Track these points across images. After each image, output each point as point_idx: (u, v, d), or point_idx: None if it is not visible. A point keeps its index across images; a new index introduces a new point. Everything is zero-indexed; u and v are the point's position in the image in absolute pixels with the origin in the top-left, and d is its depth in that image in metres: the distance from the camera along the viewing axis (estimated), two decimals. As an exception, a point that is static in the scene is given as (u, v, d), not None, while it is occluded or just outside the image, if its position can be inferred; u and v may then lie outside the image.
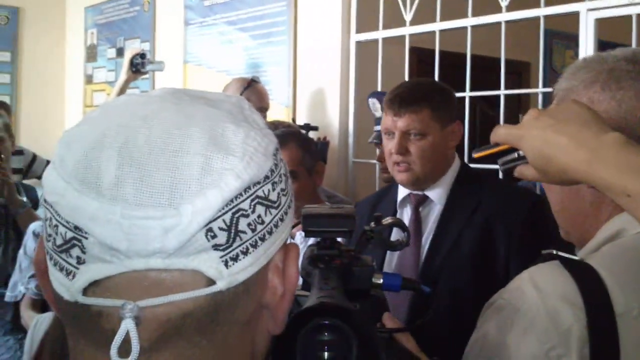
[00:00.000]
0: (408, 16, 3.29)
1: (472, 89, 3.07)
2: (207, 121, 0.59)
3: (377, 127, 2.89)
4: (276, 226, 0.60)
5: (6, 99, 4.98)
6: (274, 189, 0.60)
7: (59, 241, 0.57)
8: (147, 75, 4.57)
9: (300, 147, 2.50)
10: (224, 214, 0.55)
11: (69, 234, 0.55)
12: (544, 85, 2.90)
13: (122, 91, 3.90)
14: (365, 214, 1.88)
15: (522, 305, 1.02)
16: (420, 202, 2.13)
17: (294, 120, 3.68)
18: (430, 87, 2.15)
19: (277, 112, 3.81)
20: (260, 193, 0.58)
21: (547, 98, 2.90)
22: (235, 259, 0.57)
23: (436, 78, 3.12)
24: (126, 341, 0.53)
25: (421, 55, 3.67)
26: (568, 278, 1.01)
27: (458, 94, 2.65)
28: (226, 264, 0.56)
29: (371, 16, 3.47)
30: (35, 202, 3.21)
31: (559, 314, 0.98)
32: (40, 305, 2.59)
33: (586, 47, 2.68)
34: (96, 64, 5.56)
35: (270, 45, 4.02)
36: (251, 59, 4.18)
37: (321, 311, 0.68)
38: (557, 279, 1.01)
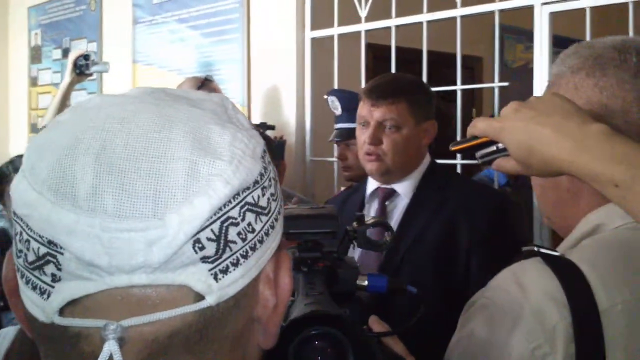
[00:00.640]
0: (363, 12, 3.27)
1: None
2: (190, 122, 0.54)
3: (337, 125, 2.87)
4: (267, 234, 0.56)
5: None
6: (263, 195, 0.56)
7: (31, 257, 0.51)
8: (94, 77, 4.46)
9: None
10: (212, 223, 0.51)
11: (43, 250, 0.50)
12: (498, 80, 2.91)
13: (66, 94, 3.81)
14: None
15: (505, 303, 1.01)
16: (388, 196, 2.14)
17: (249, 119, 3.63)
18: (411, 82, 2.17)
19: (232, 111, 3.74)
20: (249, 199, 0.54)
21: (502, 93, 2.91)
22: (225, 271, 0.52)
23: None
24: None
25: (377, 52, 3.66)
26: (551, 275, 1.00)
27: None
28: (215, 277, 0.52)
29: (326, 13, 3.44)
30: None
31: (544, 311, 0.97)
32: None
33: (541, 41, 2.70)
34: (41, 66, 5.40)
35: (222, 43, 3.96)
36: (203, 58, 4.11)
37: (314, 320, 0.65)
38: (540, 276, 1.01)
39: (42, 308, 0.51)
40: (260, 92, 3.76)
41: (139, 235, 0.49)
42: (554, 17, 2.67)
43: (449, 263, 1.96)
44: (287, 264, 0.59)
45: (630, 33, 2.41)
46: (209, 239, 0.51)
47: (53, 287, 0.51)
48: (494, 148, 0.96)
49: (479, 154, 0.99)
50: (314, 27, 3.54)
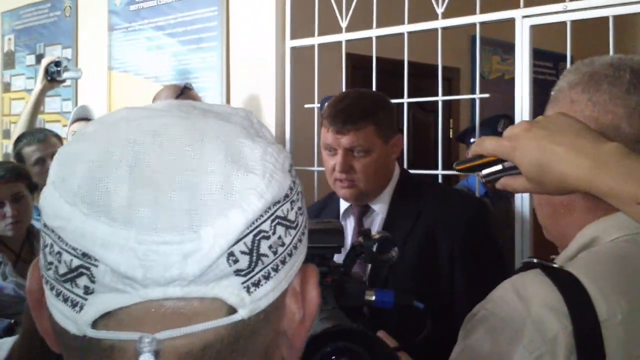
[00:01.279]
0: (344, 22, 3.27)
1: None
2: (222, 136, 0.54)
3: None
4: (295, 247, 0.56)
5: None
6: (292, 208, 0.56)
7: (63, 270, 0.51)
8: (68, 83, 4.42)
9: None
10: (245, 236, 0.51)
11: (76, 262, 0.50)
12: (476, 91, 2.93)
13: (38, 101, 3.78)
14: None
15: (506, 314, 1.02)
16: (363, 213, 2.11)
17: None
18: (373, 101, 2.10)
19: (210, 119, 3.72)
20: (279, 213, 0.54)
21: (481, 104, 2.93)
22: (257, 284, 0.52)
23: (373, 84, 3.12)
24: None
25: (356, 62, 3.67)
26: (550, 286, 1.01)
27: (395, 101, 2.66)
28: (248, 291, 0.52)
29: (306, 22, 3.44)
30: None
31: (545, 322, 0.98)
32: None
33: (522, 54, 2.73)
34: (14, 72, 5.32)
35: (201, 51, 3.94)
36: (181, 65, 4.08)
37: (335, 335, 0.64)
38: (540, 287, 1.02)
39: (74, 320, 0.51)
40: (240, 100, 3.74)
41: (174, 248, 0.48)
42: (535, 30, 2.70)
43: (432, 275, 1.95)
44: (314, 278, 0.59)
45: (610, 46, 2.44)
46: (242, 252, 0.51)
47: (86, 299, 0.50)
48: (500, 167, 0.97)
49: (484, 172, 0.99)
50: (294, 36, 3.53)
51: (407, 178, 2.16)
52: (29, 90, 4.94)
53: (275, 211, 0.53)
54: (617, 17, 2.46)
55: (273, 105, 3.57)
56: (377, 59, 3.17)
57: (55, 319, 0.53)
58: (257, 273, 0.52)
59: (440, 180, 2.98)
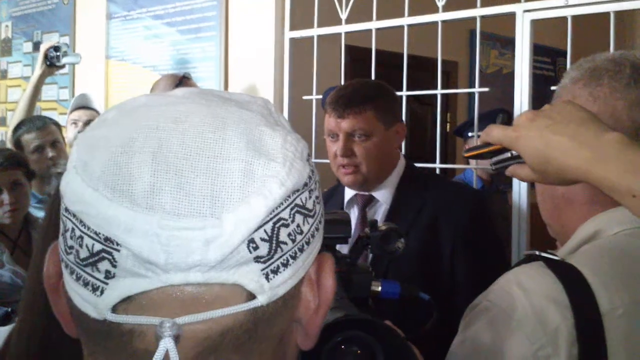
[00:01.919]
0: (344, 14, 3.27)
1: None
2: (242, 124, 0.55)
3: None
4: (313, 236, 0.57)
5: None
6: (310, 197, 0.56)
7: (84, 254, 0.51)
8: (66, 70, 4.40)
9: None
10: (265, 223, 0.51)
11: (97, 246, 0.50)
12: (475, 85, 2.93)
13: (37, 87, 3.77)
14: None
15: (508, 306, 1.02)
16: (367, 203, 2.13)
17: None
18: (374, 87, 2.15)
19: (208, 109, 3.71)
20: (298, 201, 0.54)
21: (480, 97, 2.93)
22: (275, 271, 0.53)
23: (372, 77, 3.12)
24: None
25: (355, 54, 3.67)
26: (553, 278, 1.02)
27: (395, 93, 2.65)
28: (267, 277, 0.52)
29: (306, 13, 3.44)
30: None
31: (546, 313, 0.99)
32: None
33: (522, 48, 2.73)
34: (11, 59, 5.28)
35: (199, 40, 3.93)
36: (179, 55, 4.07)
37: (346, 324, 0.65)
38: (542, 279, 1.03)
39: (95, 304, 0.51)
40: (238, 90, 3.73)
41: (196, 234, 0.49)
42: (535, 24, 2.70)
43: (434, 266, 1.97)
44: (330, 266, 0.60)
45: (611, 42, 2.45)
46: (262, 239, 0.51)
47: (107, 283, 0.51)
48: (508, 155, 0.98)
49: (493, 160, 1.01)
50: (293, 27, 3.53)
51: (412, 170, 2.19)
52: (26, 78, 4.93)
53: (295, 199, 0.54)
54: (617, 13, 2.47)
55: (271, 97, 3.56)
56: (377, 51, 3.17)
57: (74, 303, 0.54)
58: (276, 260, 0.53)
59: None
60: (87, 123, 3.60)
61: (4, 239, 2.82)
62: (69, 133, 3.76)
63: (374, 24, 3.17)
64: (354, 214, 2.17)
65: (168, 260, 0.49)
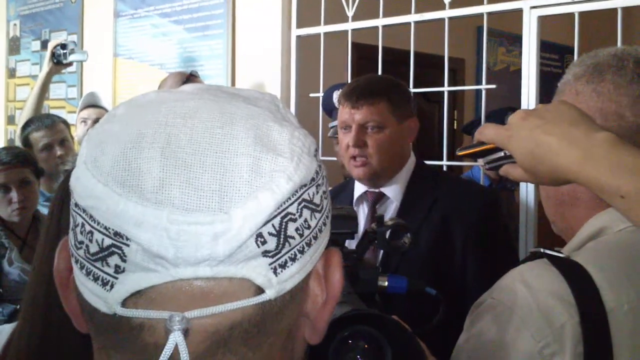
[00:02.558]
0: (350, 11, 3.27)
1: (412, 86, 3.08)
2: (251, 120, 0.55)
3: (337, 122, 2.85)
4: (320, 231, 0.57)
5: None
6: (317, 192, 0.57)
7: (94, 249, 0.52)
8: (74, 69, 4.42)
9: None
10: (273, 218, 0.52)
11: (107, 241, 0.51)
12: (482, 82, 2.93)
13: (45, 84, 3.77)
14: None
15: (514, 303, 1.02)
16: (377, 200, 2.12)
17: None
18: (388, 81, 2.16)
19: (216, 107, 3.71)
20: (306, 196, 0.55)
21: (486, 96, 2.92)
22: (283, 266, 0.53)
23: (379, 74, 3.11)
24: (171, 355, 0.50)
25: (362, 51, 3.66)
26: (558, 275, 1.02)
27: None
28: (275, 272, 0.53)
29: (313, 11, 3.44)
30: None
31: (552, 311, 0.99)
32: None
33: (529, 45, 2.72)
34: (19, 57, 5.31)
35: (206, 38, 3.94)
36: (186, 53, 4.08)
37: (353, 319, 0.65)
38: (547, 277, 1.03)
39: (105, 299, 0.52)
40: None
41: (205, 229, 0.49)
42: (542, 21, 2.69)
43: (445, 263, 1.96)
44: (337, 261, 0.60)
45: (618, 38, 2.44)
46: (270, 234, 0.52)
47: (117, 278, 0.51)
48: (501, 154, 0.97)
49: (486, 159, 1.00)
50: (300, 24, 3.53)
51: (422, 167, 2.19)
52: (34, 76, 4.95)
53: (302, 194, 0.54)
54: (625, 9, 2.46)
55: (278, 94, 3.56)
56: (383, 48, 3.17)
57: (84, 298, 0.54)
58: (284, 255, 0.53)
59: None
60: (96, 121, 3.57)
61: (12, 236, 2.83)
62: (78, 131, 3.78)
63: (380, 21, 3.17)
64: (363, 211, 2.17)
65: (177, 255, 0.49)
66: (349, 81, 3.22)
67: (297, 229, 0.54)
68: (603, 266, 1.03)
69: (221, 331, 0.52)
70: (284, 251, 0.53)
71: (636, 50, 1.14)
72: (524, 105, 2.74)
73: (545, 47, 2.84)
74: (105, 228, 0.51)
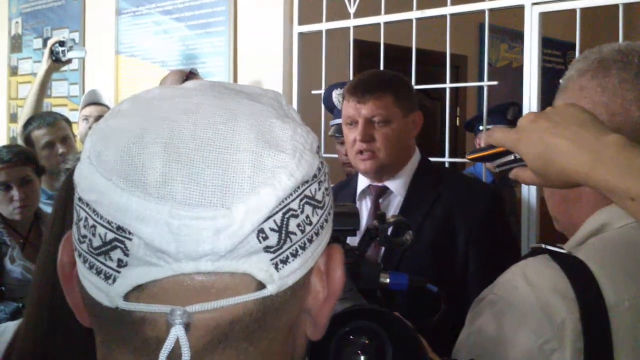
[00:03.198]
0: (352, 8, 3.27)
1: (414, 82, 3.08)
2: (253, 116, 0.56)
3: (338, 121, 2.84)
4: (322, 227, 0.57)
5: None
6: (319, 189, 0.57)
7: (97, 243, 0.52)
8: (75, 67, 4.42)
9: None
10: (275, 214, 0.52)
11: (110, 235, 0.51)
12: (484, 78, 2.92)
13: (44, 82, 3.78)
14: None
15: (514, 299, 1.02)
16: (380, 194, 2.13)
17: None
18: (392, 75, 2.16)
19: (217, 104, 3.71)
20: (307, 193, 0.55)
21: (488, 92, 2.92)
22: (285, 261, 0.53)
23: (381, 71, 3.11)
24: (172, 349, 0.50)
25: (364, 48, 3.66)
26: (559, 271, 1.02)
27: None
28: (276, 267, 0.53)
29: (314, 8, 3.43)
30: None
31: (552, 307, 0.99)
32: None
33: (531, 41, 2.71)
34: (21, 55, 5.31)
35: (208, 35, 3.93)
36: (188, 50, 4.07)
37: (354, 315, 0.65)
38: (548, 273, 1.03)
39: (107, 292, 0.52)
40: (247, 86, 3.73)
41: (207, 223, 0.49)
42: (544, 17, 2.69)
43: (447, 260, 1.96)
44: (339, 257, 0.60)
45: (620, 35, 2.43)
46: (271, 230, 0.52)
47: (119, 272, 0.52)
48: (511, 157, 0.97)
49: (496, 163, 1.00)
50: (301, 21, 3.53)
51: (426, 163, 2.19)
52: (36, 74, 4.95)
53: (304, 190, 0.55)
54: (626, 5, 2.45)
55: (280, 91, 3.55)
56: (385, 45, 3.16)
57: (87, 292, 0.55)
58: (285, 250, 0.53)
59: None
60: (98, 119, 3.60)
61: (14, 234, 2.84)
62: (80, 129, 3.78)
63: (382, 18, 3.16)
64: (366, 205, 2.17)
65: (179, 249, 0.49)
66: (351, 78, 3.22)
67: (298, 225, 0.54)
68: (604, 262, 1.03)
69: (222, 326, 0.52)
70: (285, 247, 0.53)
71: None
72: (525, 101, 2.74)
73: (547, 43, 2.83)
74: (108, 222, 0.51)
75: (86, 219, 0.53)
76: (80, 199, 0.54)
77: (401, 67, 3.10)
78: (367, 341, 0.67)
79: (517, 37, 5.06)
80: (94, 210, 0.52)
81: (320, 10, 3.37)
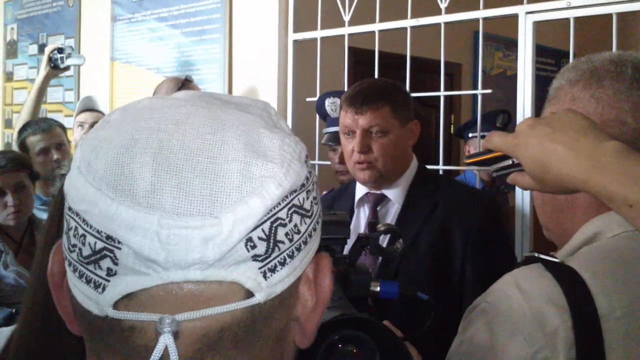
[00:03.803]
0: (347, 16, 3.27)
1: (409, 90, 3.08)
2: (242, 126, 0.56)
3: (332, 129, 2.84)
4: (310, 236, 0.58)
5: None
6: (307, 198, 0.58)
7: (86, 252, 0.53)
8: (71, 73, 4.42)
9: None
10: (263, 223, 0.53)
11: (99, 244, 0.52)
12: (478, 87, 2.93)
13: (42, 89, 3.77)
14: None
15: (507, 308, 1.02)
16: (378, 202, 2.13)
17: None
18: (389, 85, 2.16)
19: (212, 111, 3.71)
20: (296, 202, 0.56)
21: (483, 100, 2.93)
22: (273, 270, 0.54)
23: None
24: (161, 358, 0.51)
25: (358, 56, 3.67)
26: (551, 280, 1.02)
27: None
28: (265, 276, 0.54)
29: (309, 15, 3.44)
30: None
31: (545, 316, 0.99)
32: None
33: (525, 50, 2.73)
34: (17, 61, 5.31)
35: (203, 43, 3.94)
36: (183, 57, 4.08)
37: (342, 323, 0.65)
38: (540, 281, 1.02)
39: (96, 301, 0.53)
40: (242, 93, 3.74)
41: (195, 233, 0.50)
42: (538, 26, 2.70)
43: (444, 268, 1.96)
44: (327, 266, 0.61)
45: (614, 44, 2.44)
46: (260, 238, 0.53)
47: (108, 281, 0.52)
48: (509, 162, 0.97)
49: (494, 167, 1.00)
50: (296, 29, 3.53)
51: (424, 171, 2.20)
52: (32, 80, 4.94)
53: (292, 200, 0.55)
54: (620, 15, 2.46)
55: (275, 99, 3.57)
56: (380, 53, 3.17)
57: (77, 300, 0.55)
58: (273, 259, 0.54)
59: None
60: (93, 125, 3.59)
61: (8, 240, 2.83)
62: (75, 135, 3.78)
63: (377, 26, 3.17)
64: (364, 213, 2.17)
65: (168, 258, 0.50)
66: (346, 86, 3.23)
67: (286, 234, 0.54)
68: (597, 271, 1.03)
69: (211, 334, 0.53)
70: (273, 255, 0.54)
71: (632, 56, 1.13)
72: (519, 109, 2.74)
73: (541, 51, 2.84)
74: (98, 231, 0.52)
75: (76, 228, 0.54)
76: (70, 209, 0.55)
77: (396, 74, 3.11)
78: (354, 350, 0.67)
79: (512, 45, 5.07)
80: (83, 220, 0.53)
81: (315, 17, 3.38)
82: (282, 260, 0.54)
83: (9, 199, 2.78)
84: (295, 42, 3.54)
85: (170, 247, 0.50)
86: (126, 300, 0.52)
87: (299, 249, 0.56)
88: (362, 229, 2.12)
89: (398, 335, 0.98)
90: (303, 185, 0.57)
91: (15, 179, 2.81)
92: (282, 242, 0.54)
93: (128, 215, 0.50)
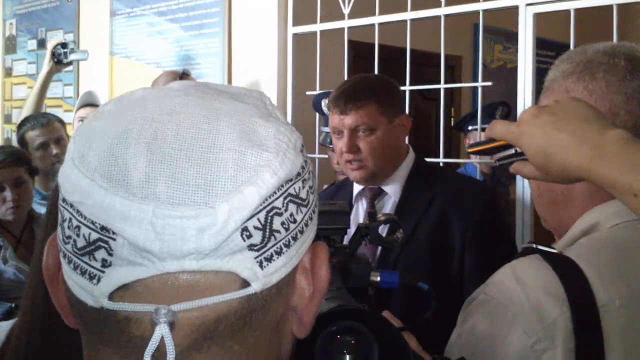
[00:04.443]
0: (346, 9, 3.27)
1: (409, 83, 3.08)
2: (236, 115, 0.56)
3: (327, 129, 2.84)
4: (306, 225, 0.57)
5: None
6: (303, 187, 0.57)
7: (81, 243, 0.52)
8: (70, 68, 4.41)
9: None
10: (259, 212, 0.52)
11: (94, 235, 0.51)
12: (478, 79, 2.92)
13: (45, 84, 3.78)
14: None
15: (505, 299, 1.02)
16: (376, 196, 2.13)
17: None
18: (374, 81, 2.15)
19: (212, 105, 3.71)
20: (292, 191, 0.55)
21: (483, 93, 2.92)
22: (269, 259, 0.54)
23: (375, 72, 3.11)
24: (157, 348, 0.50)
25: (358, 49, 3.66)
26: (550, 271, 1.01)
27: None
28: (261, 265, 0.53)
29: (309, 8, 3.43)
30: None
31: (543, 307, 0.99)
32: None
33: (525, 42, 2.72)
34: (16, 56, 5.30)
35: (202, 37, 3.93)
36: (183, 51, 4.07)
37: (340, 314, 0.65)
38: (539, 273, 1.02)
39: (91, 292, 0.52)
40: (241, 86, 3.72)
41: (190, 222, 0.50)
42: (538, 18, 2.69)
43: (443, 260, 1.96)
44: (324, 255, 0.60)
45: (614, 35, 2.43)
46: (255, 228, 0.52)
47: (103, 272, 0.52)
48: (512, 151, 0.96)
49: (497, 156, 0.99)
50: (296, 22, 3.53)
51: (421, 163, 2.19)
52: (31, 75, 4.95)
53: (288, 189, 0.55)
54: (620, 6, 2.45)
55: (275, 92, 3.56)
56: (380, 46, 3.16)
57: (72, 292, 0.55)
58: (269, 248, 0.53)
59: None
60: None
61: (7, 235, 2.83)
62: (75, 130, 3.78)
63: (377, 19, 3.16)
64: (362, 207, 2.17)
65: (163, 249, 0.50)
66: (345, 79, 3.22)
67: (282, 223, 0.54)
68: (595, 262, 1.03)
69: (207, 324, 0.52)
70: (269, 245, 0.53)
71: (625, 47, 1.12)
72: (519, 101, 2.74)
73: (541, 44, 2.83)
74: (92, 222, 0.51)
75: (70, 219, 0.53)
76: (64, 200, 0.54)
77: (395, 67, 3.10)
78: (353, 341, 0.67)
79: (512, 37, 5.07)
80: (77, 211, 0.52)
81: (315, 11, 3.37)
82: (278, 250, 0.54)
83: (8, 194, 2.78)
84: (295, 35, 3.53)
85: (166, 237, 0.49)
86: (121, 291, 0.52)
87: (295, 238, 0.55)
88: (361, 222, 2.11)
89: (398, 326, 0.98)
90: (299, 174, 0.56)
91: (14, 174, 2.81)
92: (278, 232, 0.54)
93: (122, 205, 0.50)
